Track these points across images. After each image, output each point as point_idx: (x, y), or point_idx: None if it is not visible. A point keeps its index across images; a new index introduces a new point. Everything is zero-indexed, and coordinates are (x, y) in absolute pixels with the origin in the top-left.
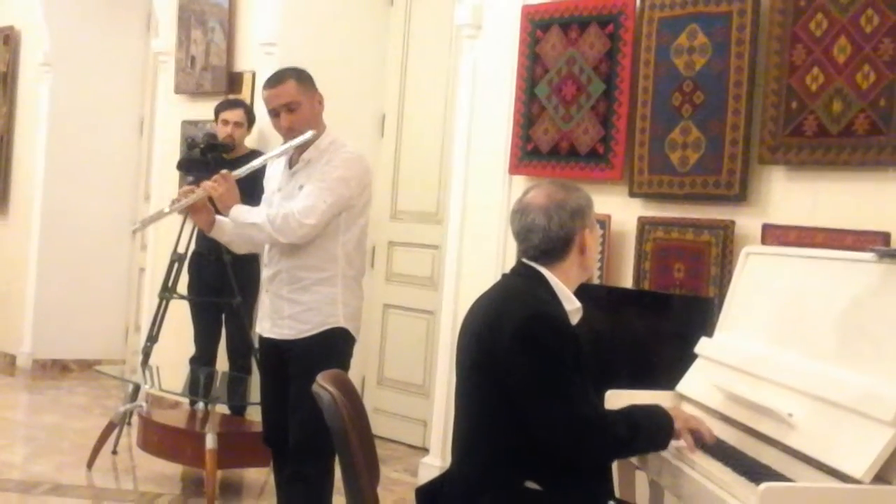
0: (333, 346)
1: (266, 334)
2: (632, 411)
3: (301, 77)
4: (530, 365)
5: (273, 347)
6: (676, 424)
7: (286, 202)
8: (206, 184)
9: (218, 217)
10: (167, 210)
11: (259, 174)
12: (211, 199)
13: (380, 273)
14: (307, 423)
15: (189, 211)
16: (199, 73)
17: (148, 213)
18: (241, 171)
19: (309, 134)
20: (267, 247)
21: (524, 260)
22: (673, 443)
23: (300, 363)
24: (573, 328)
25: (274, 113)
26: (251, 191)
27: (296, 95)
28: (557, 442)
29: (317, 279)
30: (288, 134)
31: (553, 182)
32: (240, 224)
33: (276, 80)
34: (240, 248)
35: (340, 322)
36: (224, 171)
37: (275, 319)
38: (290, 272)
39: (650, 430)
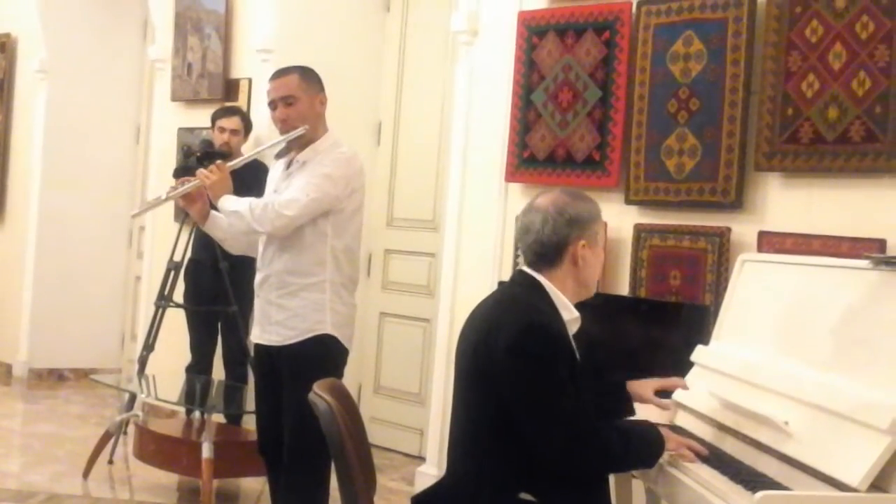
0: (321, 354)
1: (256, 340)
2: (626, 427)
3: (305, 74)
4: (524, 376)
5: (265, 353)
6: (669, 445)
7: None
8: (201, 171)
9: (213, 212)
10: (164, 197)
11: (263, 177)
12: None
13: (376, 281)
14: (298, 431)
15: (185, 201)
16: (195, 81)
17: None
18: (236, 163)
19: (300, 130)
20: (260, 250)
21: (522, 268)
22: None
23: (288, 371)
24: (568, 338)
25: (272, 105)
26: (251, 192)
27: (295, 90)
28: (549, 454)
29: (304, 284)
30: (282, 127)
31: (565, 190)
32: (225, 213)
33: (281, 72)
34: (233, 248)
35: (327, 329)
36: (219, 162)
37: (264, 325)
38: (279, 276)
39: (642, 448)
